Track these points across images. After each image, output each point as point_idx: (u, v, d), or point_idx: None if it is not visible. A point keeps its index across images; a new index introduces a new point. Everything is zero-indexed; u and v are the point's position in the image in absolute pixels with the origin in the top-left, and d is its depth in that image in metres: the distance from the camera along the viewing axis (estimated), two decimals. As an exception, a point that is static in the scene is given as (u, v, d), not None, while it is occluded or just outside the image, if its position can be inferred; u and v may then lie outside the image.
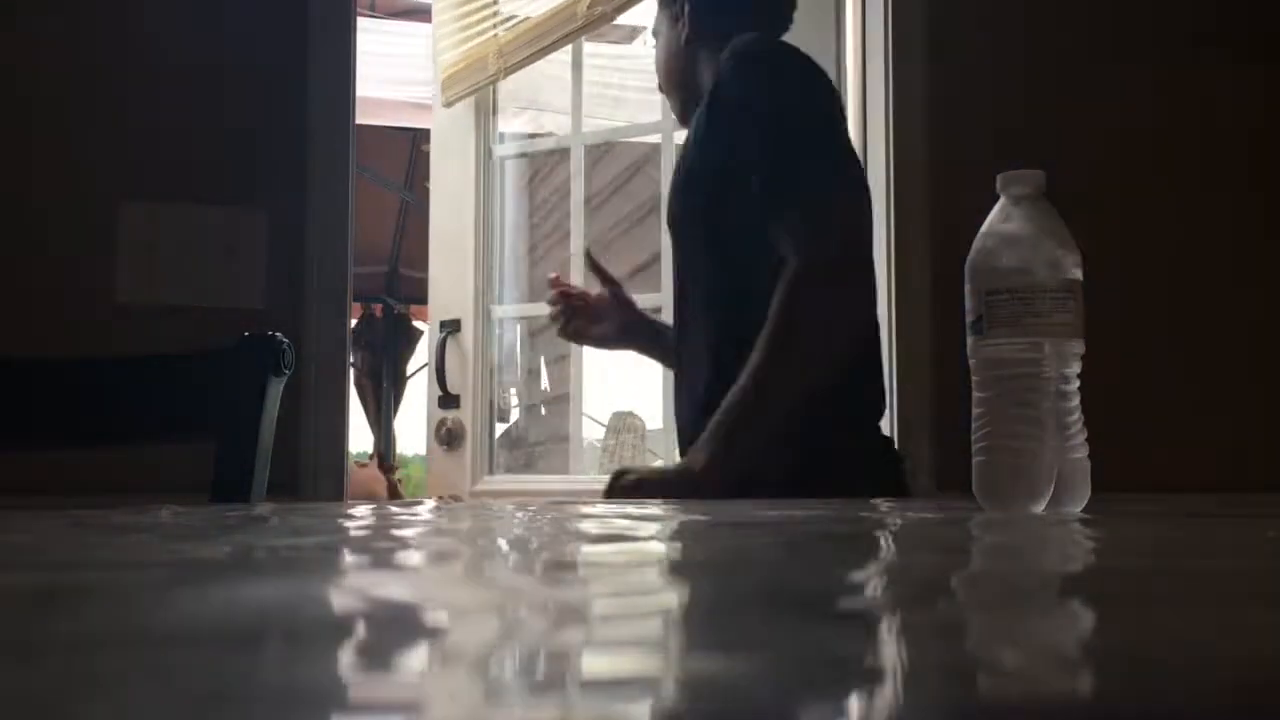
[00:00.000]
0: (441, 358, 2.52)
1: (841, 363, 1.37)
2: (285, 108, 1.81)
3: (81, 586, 0.41)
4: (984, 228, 0.94)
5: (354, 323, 3.96)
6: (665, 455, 2.40)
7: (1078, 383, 0.91)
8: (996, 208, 0.94)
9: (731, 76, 1.44)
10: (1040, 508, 0.89)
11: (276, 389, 1.20)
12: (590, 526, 0.73)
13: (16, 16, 1.73)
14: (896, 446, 2.00)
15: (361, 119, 1.93)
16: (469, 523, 0.77)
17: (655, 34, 1.66)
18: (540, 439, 3.15)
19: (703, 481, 1.27)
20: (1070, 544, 0.61)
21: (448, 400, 2.53)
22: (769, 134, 1.39)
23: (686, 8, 1.57)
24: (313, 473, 1.77)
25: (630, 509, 0.92)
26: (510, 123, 3.05)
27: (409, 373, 5.31)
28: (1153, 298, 2.11)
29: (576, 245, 2.48)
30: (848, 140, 1.48)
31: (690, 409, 1.47)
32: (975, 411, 0.93)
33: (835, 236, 1.37)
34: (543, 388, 3.27)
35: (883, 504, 1.02)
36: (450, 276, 2.58)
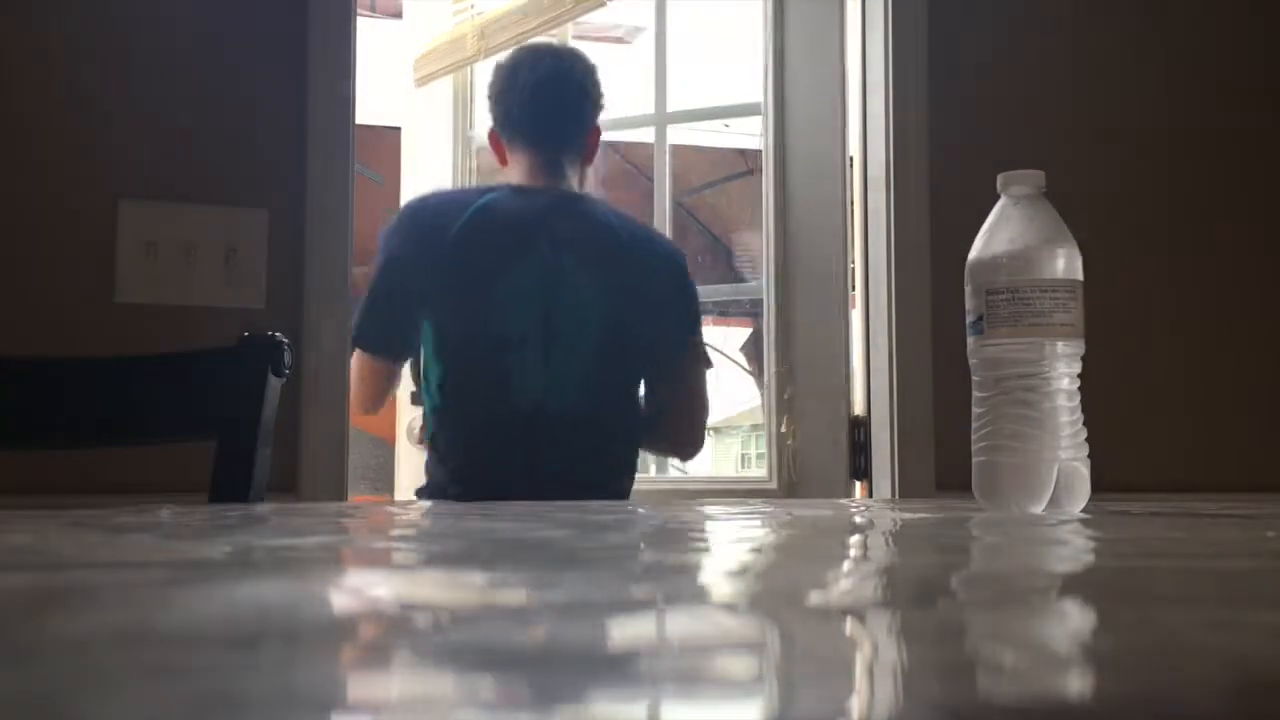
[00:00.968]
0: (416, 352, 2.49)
1: None
2: (285, 108, 1.81)
3: (81, 586, 0.41)
4: (984, 228, 0.95)
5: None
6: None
7: (1078, 383, 0.91)
8: (996, 208, 0.94)
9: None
10: (1040, 508, 0.89)
11: (276, 389, 1.20)
12: (589, 527, 0.73)
13: (16, 16, 1.73)
14: (897, 446, 2.02)
15: (361, 119, 1.93)
16: (468, 522, 0.77)
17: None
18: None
19: None
20: (1070, 544, 0.61)
21: (417, 397, 2.49)
22: None
23: None
24: (313, 473, 1.77)
25: (595, 509, 0.92)
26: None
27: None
28: (1153, 298, 2.11)
29: None
30: None
31: None
32: (975, 411, 0.93)
33: None
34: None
35: (883, 504, 1.02)
36: None
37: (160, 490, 1.18)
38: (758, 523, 0.76)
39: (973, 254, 0.94)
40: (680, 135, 2.65)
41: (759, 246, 2.20)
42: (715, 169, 4.24)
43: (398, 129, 4.29)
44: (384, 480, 3.01)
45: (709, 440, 2.30)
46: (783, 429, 2.09)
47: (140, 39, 1.77)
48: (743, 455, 5.03)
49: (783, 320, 2.11)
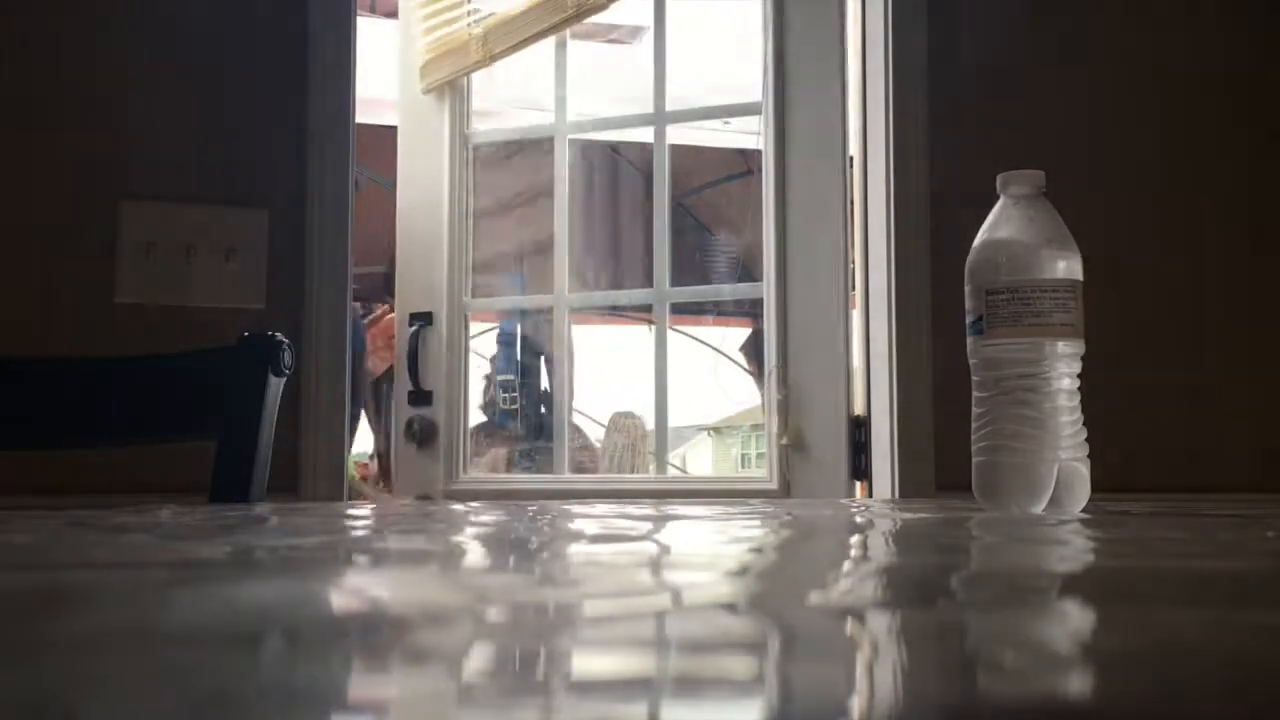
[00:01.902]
0: (414, 353, 2.33)
1: None
2: (285, 108, 1.81)
3: (81, 586, 0.41)
4: (984, 227, 0.95)
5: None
6: (664, 455, 2.39)
7: (1078, 383, 0.91)
8: (996, 207, 0.94)
9: None
10: (1040, 508, 0.89)
11: (276, 389, 1.20)
12: (587, 527, 0.73)
13: (16, 16, 1.73)
14: (896, 446, 2.01)
15: (362, 118, 1.93)
16: (468, 522, 0.77)
17: None
18: (540, 438, 3.16)
19: None
20: (1070, 544, 0.61)
21: (419, 397, 2.34)
22: None
23: None
24: (313, 473, 1.77)
25: (603, 509, 0.92)
26: (508, 120, 3.02)
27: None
28: (1153, 298, 2.11)
29: (561, 238, 2.37)
30: None
31: None
32: (975, 411, 0.93)
33: None
34: (543, 388, 3.28)
35: (883, 504, 1.02)
36: (420, 267, 2.37)
37: (160, 490, 1.18)
38: (757, 523, 0.76)
39: (973, 254, 0.94)
40: (680, 135, 2.64)
41: (759, 246, 2.20)
42: (715, 169, 4.24)
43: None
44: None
45: (709, 440, 2.24)
46: (782, 429, 2.09)
47: (141, 39, 1.77)
48: (743, 455, 5.03)
49: (783, 319, 2.11)
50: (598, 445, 3.66)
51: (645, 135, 2.38)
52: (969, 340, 0.93)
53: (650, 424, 3.39)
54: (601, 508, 0.95)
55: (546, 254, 2.43)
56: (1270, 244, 2.18)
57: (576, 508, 0.94)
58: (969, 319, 0.93)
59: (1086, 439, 0.91)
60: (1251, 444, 2.11)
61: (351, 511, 0.98)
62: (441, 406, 2.31)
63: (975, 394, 0.93)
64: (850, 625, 0.33)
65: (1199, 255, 2.15)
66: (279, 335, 1.21)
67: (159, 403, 1.24)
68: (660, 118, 2.28)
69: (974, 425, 0.93)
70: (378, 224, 2.71)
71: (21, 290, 1.70)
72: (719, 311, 4.03)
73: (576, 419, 3.49)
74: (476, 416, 3.03)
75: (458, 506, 1.01)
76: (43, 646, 0.28)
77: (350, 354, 1.88)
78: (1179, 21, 2.19)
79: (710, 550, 0.58)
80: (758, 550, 0.58)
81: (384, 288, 5.29)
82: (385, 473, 4.98)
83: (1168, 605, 0.37)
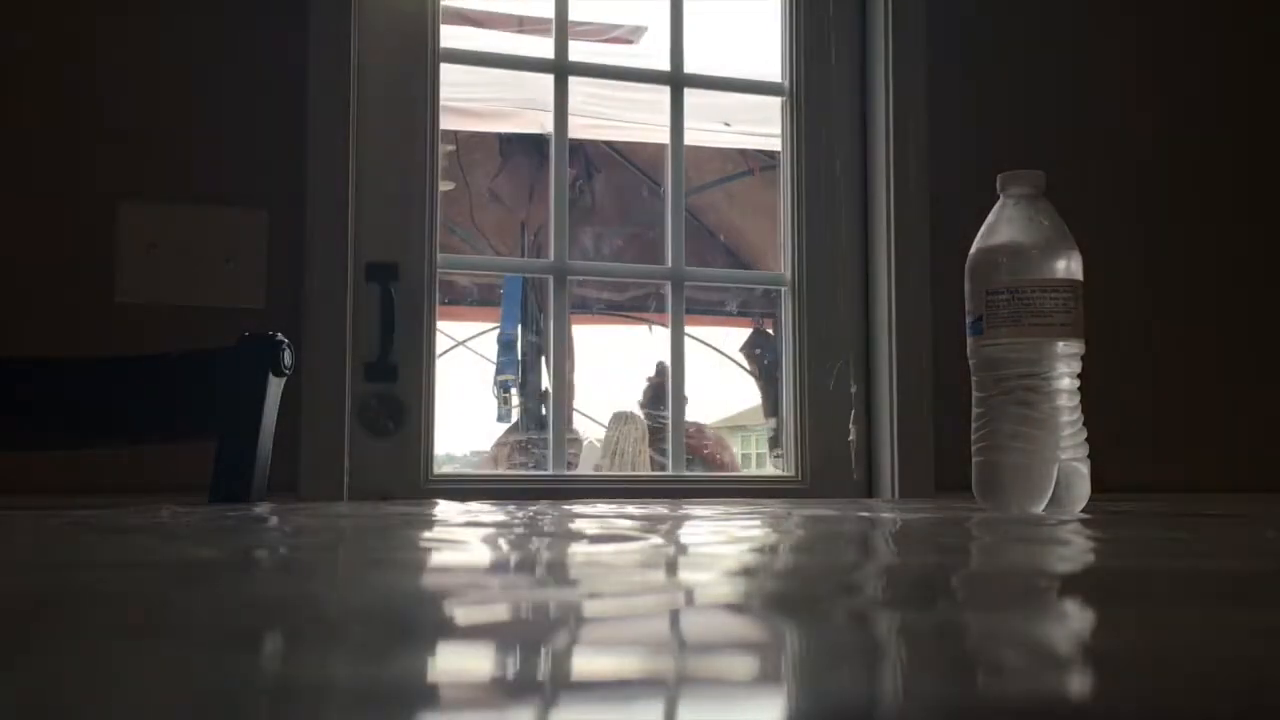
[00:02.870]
0: (389, 314, 1.85)
1: None
2: (285, 108, 1.81)
3: (81, 586, 0.41)
4: (984, 228, 0.95)
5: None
6: (665, 454, 2.38)
7: (1078, 383, 0.91)
8: (996, 207, 0.94)
9: None
10: (1040, 508, 0.89)
11: (276, 389, 1.20)
12: (588, 526, 0.73)
13: (16, 17, 1.73)
14: (896, 446, 2.01)
15: (361, 119, 1.93)
16: (468, 521, 0.77)
17: None
18: (539, 437, 3.16)
19: None
20: (1070, 544, 0.61)
21: (378, 371, 1.85)
22: None
23: None
24: (313, 473, 1.77)
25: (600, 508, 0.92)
26: (508, 123, 3.01)
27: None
28: (1153, 297, 2.11)
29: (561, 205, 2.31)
30: None
31: None
32: (975, 411, 0.93)
33: None
34: (543, 388, 3.28)
35: (883, 504, 1.02)
36: (378, 203, 1.88)
37: (160, 490, 1.18)
38: (757, 523, 0.76)
39: (972, 254, 0.94)
40: (690, 135, 2.61)
41: (761, 245, 2.19)
42: (717, 168, 4.25)
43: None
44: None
45: (709, 440, 2.15)
46: (796, 426, 2.08)
47: (140, 39, 1.77)
48: (742, 455, 5.04)
49: (799, 315, 2.09)
50: (598, 444, 3.67)
51: (644, 135, 2.35)
52: (969, 340, 0.93)
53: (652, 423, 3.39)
54: (602, 506, 0.95)
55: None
56: (1272, 243, 2.18)
57: (599, 505, 0.94)
58: (969, 319, 0.93)
59: (1086, 439, 0.91)
60: (1252, 444, 2.11)
61: (352, 511, 0.98)
62: (411, 383, 1.87)
63: (975, 394, 0.93)
64: (850, 625, 0.33)
65: (1199, 255, 2.15)
66: (279, 335, 1.21)
67: (159, 403, 1.24)
68: (677, 78, 2.12)
69: (974, 425, 0.93)
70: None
71: (21, 290, 1.70)
72: (719, 312, 4.03)
73: (577, 419, 3.49)
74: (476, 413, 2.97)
75: (465, 505, 1.01)
76: (43, 646, 0.28)
77: None
78: (1179, 21, 2.19)
79: (709, 550, 0.58)
80: (756, 550, 0.58)
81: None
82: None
83: (1168, 605, 0.37)
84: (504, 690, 0.25)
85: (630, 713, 0.22)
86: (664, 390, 3.11)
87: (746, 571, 0.48)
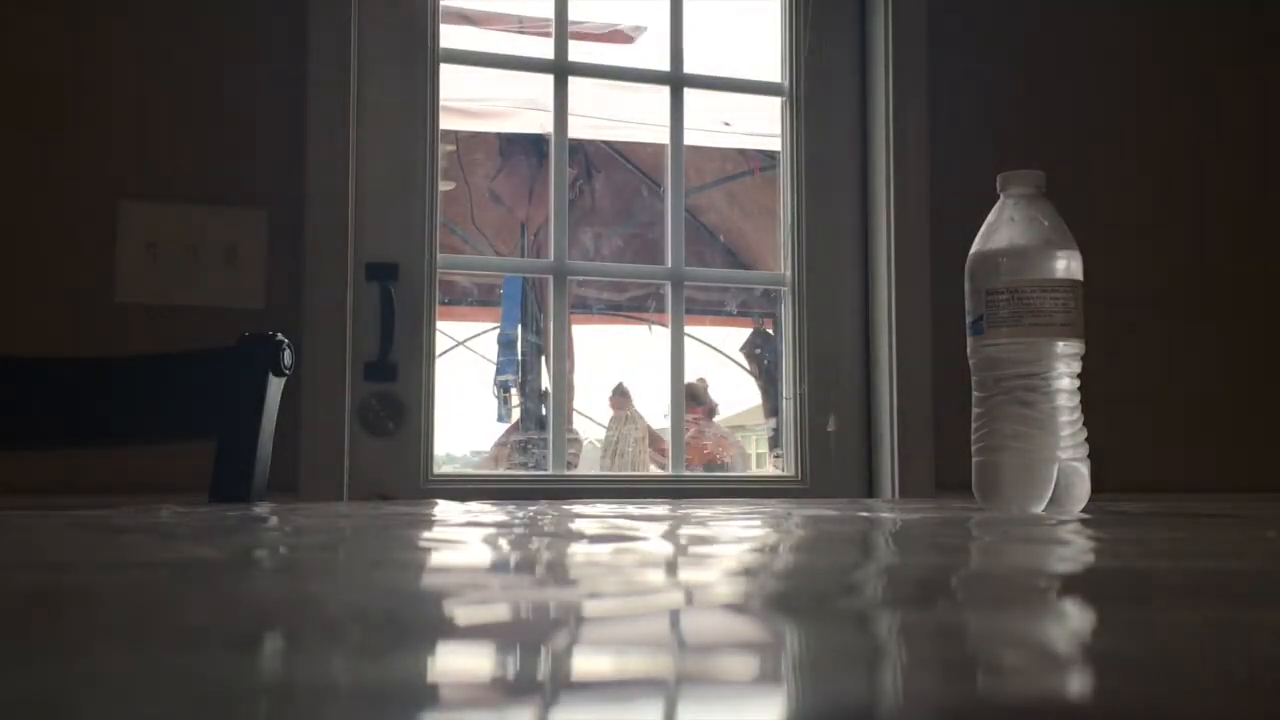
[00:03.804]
0: (389, 314, 1.87)
1: None
2: (285, 107, 1.81)
3: (81, 586, 0.41)
4: (984, 227, 0.95)
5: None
6: (666, 454, 2.38)
7: (1078, 383, 0.91)
8: (996, 207, 0.94)
9: None
10: (1040, 508, 0.89)
11: (276, 389, 1.20)
12: (590, 527, 0.73)
13: (16, 16, 1.73)
14: (896, 446, 2.01)
15: (361, 119, 1.93)
16: (468, 521, 0.77)
17: None
18: (539, 437, 3.16)
19: None
20: (1070, 544, 0.61)
21: (379, 370, 1.87)
22: None
23: None
24: (313, 473, 1.77)
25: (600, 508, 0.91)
26: (508, 123, 3.00)
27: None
28: (1153, 297, 2.11)
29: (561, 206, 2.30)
30: None
31: None
32: (975, 411, 0.93)
33: None
34: (543, 388, 3.28)
35: (883, 504, 1.02)
36: (378, 203, 1.89)
37: (160, 490, 1.18)
38: (757, 523, 0.76)
39: (972, 254, 0.94)
40: (691, 136, 2.61)
41: (761, 245, 2.19)
42: (717, 168, 4.24)
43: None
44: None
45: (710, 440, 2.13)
46: (799, 426, 2.08)
47: (140, 39, 1.77)
48: (742, 455, 5.04)
49: (800, 314, 2.09)
50: (598, 445, 3.66)
51: (644, 136, 2.34)
52: (969, 340, 0.93)
53: (651, 423, 3.39)
54: (602, 506, 0.95)
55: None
56: (1271, 243, 2.18)
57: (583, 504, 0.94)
58: (969, 319, 0.93)
59: (1086, 439, 0.91)
60: (1252, 444, 2.11)
61: (352, 511, 0.98)
62: (412, 382, 1.90)
63: (975, 394, 0.93)
64: (849, 625, 0.33)
65: (1199, 255, 2.15)
66: (279, 335, 1.21)
67: (159, 403, 1.24)
68: (677, 78, 2.12)
69: (974, 425, 0.93)
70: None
71: (21, 290, 1.70)
72: (719, 312, 4.02)
73: (577, 420, 3.49)
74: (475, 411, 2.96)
75: (457, 504, 1.01)
76: (43, 646, 0.28)
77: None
78: (1179, 21, 2.19)
79: (709, 550, 0.58)
80: (756, 550, 0.58)
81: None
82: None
83: (1168, 605, 0.37)
84: (504, 690, 0.25)
85: (630, 713, 0.22)
86: (700, 394, 3.10)
87: (747, 572, 0.48)
